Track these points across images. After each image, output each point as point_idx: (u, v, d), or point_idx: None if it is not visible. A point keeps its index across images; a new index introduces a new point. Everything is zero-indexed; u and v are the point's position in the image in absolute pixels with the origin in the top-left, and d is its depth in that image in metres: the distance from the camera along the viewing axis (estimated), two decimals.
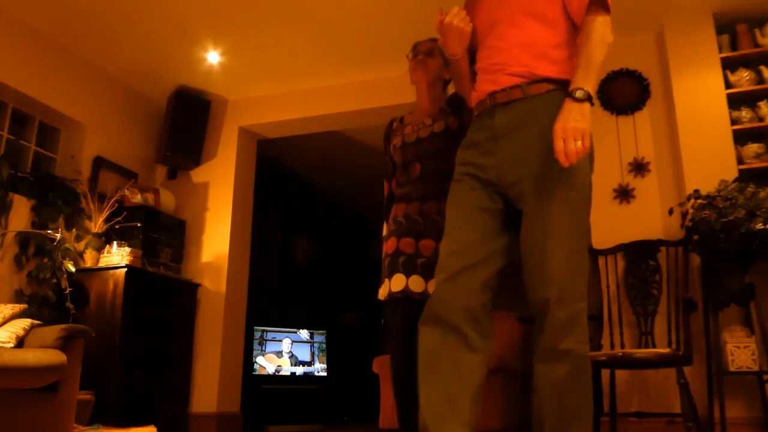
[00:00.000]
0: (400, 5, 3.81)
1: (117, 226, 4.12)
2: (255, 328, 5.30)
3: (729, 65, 3.80)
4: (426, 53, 2.39)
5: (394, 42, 4.22)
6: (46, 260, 3.74)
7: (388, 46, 4.26)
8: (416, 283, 2.24)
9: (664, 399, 3.56)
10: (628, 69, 4.10)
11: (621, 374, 3.64)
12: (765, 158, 3.57)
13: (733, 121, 3.67)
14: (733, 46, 3.84)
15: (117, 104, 4.65)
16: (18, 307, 3.07)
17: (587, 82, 1.67)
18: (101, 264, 3.97)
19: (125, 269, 3.84)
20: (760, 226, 3.01)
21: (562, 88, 1.73)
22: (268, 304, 5.85)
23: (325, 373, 5.66)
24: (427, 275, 2.22)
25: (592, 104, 1.65)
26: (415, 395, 2.07)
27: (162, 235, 4.38)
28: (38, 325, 2.98)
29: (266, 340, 5.37)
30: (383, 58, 4.43)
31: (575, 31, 1.77)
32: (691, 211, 3.31)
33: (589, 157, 1.84)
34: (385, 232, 2.41)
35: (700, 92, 3.75)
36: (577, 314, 1.60)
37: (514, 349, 4.36)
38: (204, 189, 4.90)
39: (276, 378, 5.30)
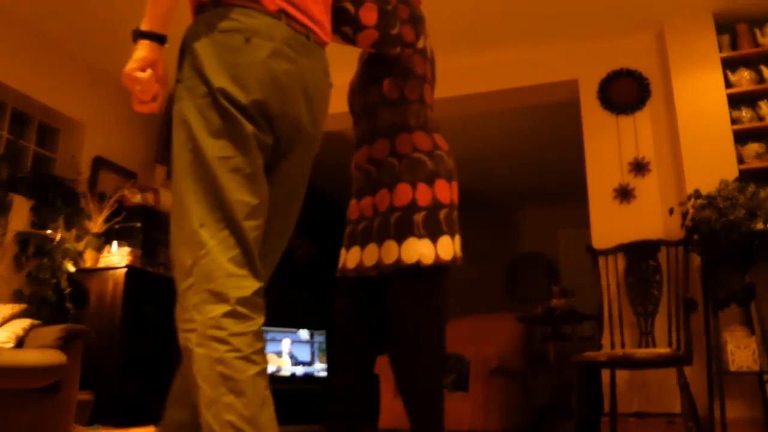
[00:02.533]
0: None
1: (117, 226, 4.12)
2: None
3: (729, 65, 3.80)
4: None
5: None
6: (45, 260, 3.74)
7: None
8: (368, 255, 1.79)
9: (664, 399, 3.56)
10: (628, 69, 4.10)
11: (621, 374, 3.64)
12: (765, 158, 3.57)
13: (734, 121, 3.67)
14: (734, 45, 3.84)
15: (117, 104, 4.65)
16: (18, 307, 3.07)
17: (145, 15, 1.25)
18: (101, 264, 3.96)
19: (125, 269, 3.84)
20: (760, 226, 3.01)
21: (199, 12, 1.32)
22: (267, 304, 5.84)
23: (325, 374, 5.66)
24: (380, 238, 1.76)
25: (161, 41, 1.27)
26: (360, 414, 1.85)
27: (162, 235, 4.37)
28: (38, 326, 2.98)
29: (266, 340, 5.37)
30: None
31: None
32: (691, 210, 3.31)
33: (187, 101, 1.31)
34: None
35: (701, 92, 3.75)
36: (181, 297, 1.27)
37: (514, 350, 4.37)
38: None
39: (276, 378, 5.29)
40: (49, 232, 3.76)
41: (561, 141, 5.77)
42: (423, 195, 1.73)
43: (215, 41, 1.25)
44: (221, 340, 1.15)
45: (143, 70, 1.23)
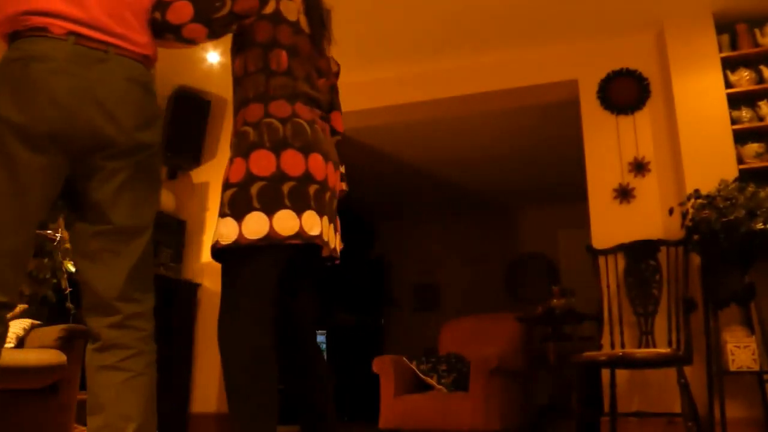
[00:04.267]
0: (398, 7, 3.81)
1: None
2: None
3: (729, 65, 3.80)
4: None
5: (393, 43, 4.22)
6: (46, 260, 3.74)
7: (387, 47, 4.26)
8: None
9: (664, 399, 3.57)
10: (628, 69, 4.10)
11: (621, 374, 3.64)
12: (765, 158, 3.57)
13: (734, 121, 3.67)
14: (733, 45, 3.84)
15: None
16: (18, 307, 3.07)
17: None
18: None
19: None
20: (760, 225, 3.01)
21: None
22: None
23: None
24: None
25: None
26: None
27: (161, 236, 4.37)
28: (38, 325, 2.98)
29: None
30: (382, 59, 4.43)
31: None
32: (691, 210, 3.31)
33: None
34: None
35: (701, 92, 3.75)
36: None
37: (514, 350, 4.37)
38: (204, 189, 4.89)
39: None
40: (49, 232, 3.76)
41: (561, 141, 5.77)
42: (236, 171, 1.61)
43: (1, 73, 1.34)
44: None
45: None
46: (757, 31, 3.76)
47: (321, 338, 5.75)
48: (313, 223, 1.60)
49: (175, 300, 4.30)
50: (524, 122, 5.46)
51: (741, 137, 3.68)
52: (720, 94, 3.71)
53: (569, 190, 7.11)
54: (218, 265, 1.71)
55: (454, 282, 8.06)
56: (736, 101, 3.73)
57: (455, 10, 3.85)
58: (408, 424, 3.97)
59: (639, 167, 3.93)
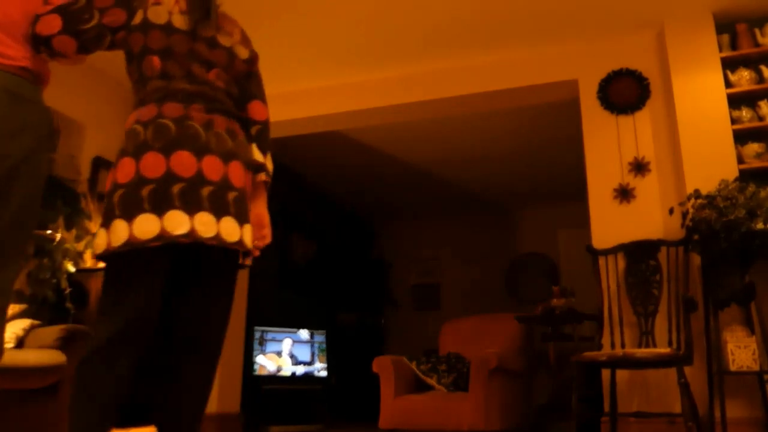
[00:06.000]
0: (398, 8, 3.81)
1: None
2: (255, 328, 5.30)
3: (729, 65, 3.80)
4: None
5: (394, 43, 4.22)
6: (46, 260, 3.74)
7: (388, 46, 4.26)
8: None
9: (664, 399, 3.57)
10: (628, 69, 4.10)
11: (621, 374, 3.64)
12: (765, 158, 3.57)
13: (734, 121, 3.67)
14: (733, 45, 3.84)
15: (117, 104, 4.65)
16: (18, 308, 3.07)
17: None
18: (101, 264, 3.96)
19: None
20: (760, 225, 3.01)
21: None
22: (267, 304, 5.85)
23: (325, 373, 5.66)
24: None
25: None
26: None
27: None
28: (38, 326, 2.98)
29: (266, 340, 5.36)
30: (383, 59, 4.43)
31: None
32: (691, 210, 3.31)
33: None
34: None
35: (701, 92, 3.75)
36: None
37: (514, 350, 4.37)
38: None
39: (276, 378, 5.30)
40: (49, 232, 3.76)
41: (561, 141, 5.77)
42: (109, 181, 1.65)
43: None
44: None
45: None
46: (757, 31, 3.76)
47: (321, 338, 5.75)
48: (179, 223, 1.57)
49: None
50: (524, 122, 5.46)
51: (741, 137, 3.67)
52: (720, 94, 3.71)
53: (569, 190, 7.11)
54: None
55: (454, 282, 8.06)
56: (736, 101, 3.73)
57: (455, 10, 3.85)
58: (408, 424, 3.97)
59: (639, 167, 3.93)
